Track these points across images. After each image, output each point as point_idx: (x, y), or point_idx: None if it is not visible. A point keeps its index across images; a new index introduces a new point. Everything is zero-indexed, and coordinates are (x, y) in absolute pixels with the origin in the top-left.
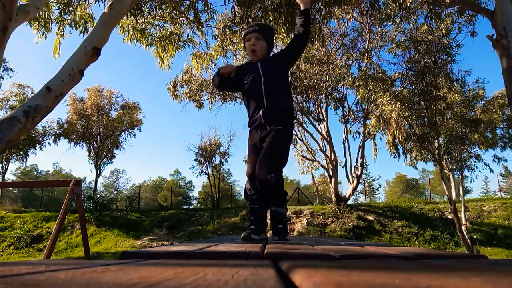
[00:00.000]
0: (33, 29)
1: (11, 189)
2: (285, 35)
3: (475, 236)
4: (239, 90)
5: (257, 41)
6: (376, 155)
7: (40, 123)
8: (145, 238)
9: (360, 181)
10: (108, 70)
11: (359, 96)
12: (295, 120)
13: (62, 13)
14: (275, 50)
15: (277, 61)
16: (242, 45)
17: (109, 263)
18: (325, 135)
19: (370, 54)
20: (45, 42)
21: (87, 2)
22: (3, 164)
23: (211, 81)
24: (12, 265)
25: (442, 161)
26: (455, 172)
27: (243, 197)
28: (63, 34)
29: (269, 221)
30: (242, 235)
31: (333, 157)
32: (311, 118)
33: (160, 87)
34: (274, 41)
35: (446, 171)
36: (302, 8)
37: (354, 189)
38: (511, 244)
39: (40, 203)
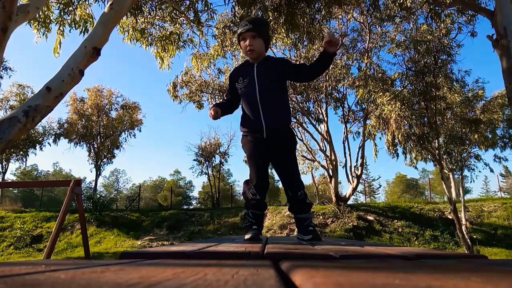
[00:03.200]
0: (33, 29)
1: (11, 189)
2: (285, 35)
3: (475, 236)
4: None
5: (253, 40)
6: (376, 155)
7: (40, 123)
8: (145, 238)
9: (360, 181)
10: (108, 70)
11: (359, 96)
12: (295, 120)
13: (62, 13)
14: (274, 50)
15: (278, 69)
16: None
17: (109, 263)
18: (325, 135)
19: (370, 54)
20: (46, 42)
21: (87, 2)
22: (3, 164)
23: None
24: (12, 265)
25: (442, 161)
26: (455, 172)
27: (242, 197)
28: (63, 34)
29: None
30: (247, 236)
31: (333, 157)
32: (311, 118)
33: (160, 87)
34: (270, 34)
35: (446, 171)
36: (329, 51)
37: (354, 189)
38: (511, 244)
39: (40, 203)
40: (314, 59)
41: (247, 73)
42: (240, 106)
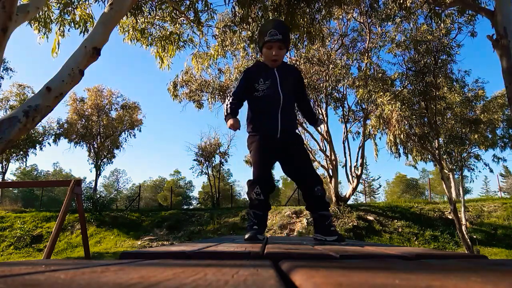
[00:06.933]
0: (34, 30)
1: (11, 189)
2: None
3: (475, 236)
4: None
5: (279, 51)
6: (377, 155)
7: (40, 123)
8: (145, 238)
9: (360, 181)
10: (108, 70)
11: (359, 96)
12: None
13: (62, 13)
14: None
15: (294, 80)
16: (243, 45)
17: (109, 263)
18: (325, 135)
19: (370, 54)
20: (47, 42)
21: (87, 2)
22: (3, 164)
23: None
24: (12, 265)
25: (442, 161)
26: (455, 172)
27: (243, 197)
28: (63, 34)
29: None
30: (246, 235)
31: (333, 157)
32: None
33: (160, 87)
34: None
35: (446, 171)
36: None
37: (354, 189)
38: (511, 244)
39: (40, 203)
40: (314, 118)
41: (268, 75)
42: (250, 107)
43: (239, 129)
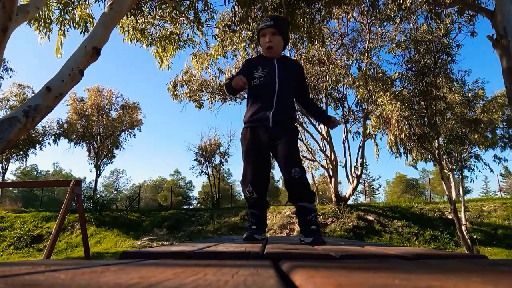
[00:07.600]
0: (34, 30)
1: (11, 189)
2: None
3: (475, 236)
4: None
5: (273, 37)
6: (378, 155)
7: (40, 123)
8: (145, 238)
9: (360, 181)
10: (108, 70)
11: (359, 96)
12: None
13: (62, 13)
14: None
15: (295, 73)
16: (243, 44)
17: (109, 263)
18: (325, 135)
19: (370, 54)
20: (48, 42)
21: (87, 2)
22: (3, 164)
23: (225, 89)
24: (12, 265)
25: (442, 161)
26: (455, 172)
27: (243, 197)
28: (64, 34)
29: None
30: (244, 235)
31: (333, 157)
32: (311, 118)
33: (160, 87)
34: (289, 34)
35: (446, 171)
36: (327, 126)
37: (354, 189)
38: (511, 244)
39: (40, 203)
40: (317, 110)
41: (267, 64)
42: (248, 96)
43: (247, 87)
